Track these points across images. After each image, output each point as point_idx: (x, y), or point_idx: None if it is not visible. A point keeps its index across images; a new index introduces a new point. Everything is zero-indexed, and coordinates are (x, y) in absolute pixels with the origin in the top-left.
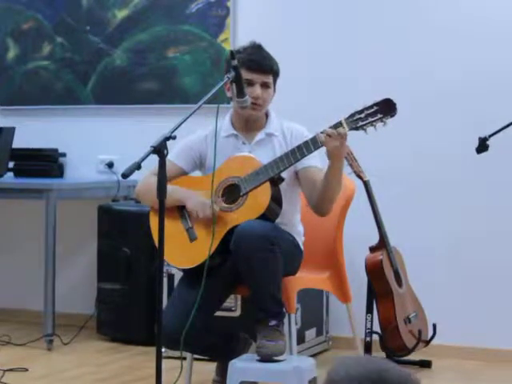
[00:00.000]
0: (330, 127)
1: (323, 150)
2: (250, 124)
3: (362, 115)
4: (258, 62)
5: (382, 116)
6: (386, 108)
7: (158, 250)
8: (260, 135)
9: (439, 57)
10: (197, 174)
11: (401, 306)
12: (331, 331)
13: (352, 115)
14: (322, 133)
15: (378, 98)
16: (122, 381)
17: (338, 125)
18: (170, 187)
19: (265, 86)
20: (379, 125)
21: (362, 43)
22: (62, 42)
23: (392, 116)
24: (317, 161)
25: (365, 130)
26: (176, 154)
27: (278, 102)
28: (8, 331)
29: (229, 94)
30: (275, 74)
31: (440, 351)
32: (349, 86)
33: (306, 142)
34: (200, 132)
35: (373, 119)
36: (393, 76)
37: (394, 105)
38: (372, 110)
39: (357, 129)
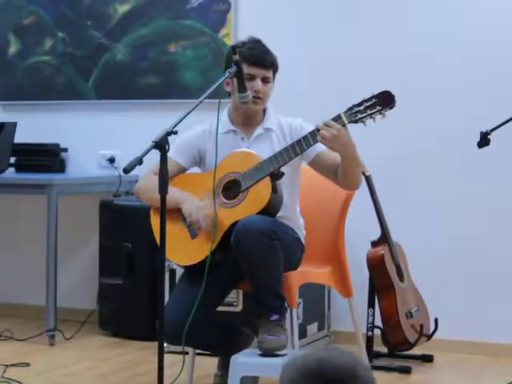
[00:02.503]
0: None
1: None
2: (248, 119)
3: (361, 108)
4: (260, 57)
5: (380, 108)
6: (385, 100)
7: (160, 245)
8: (258, 130)
9: (440, 49)
10: (195, 170)
11: (402, 301)
12: (333, 326)
13: (351, 108)
14: (318, 129)
15: (377, 91)
16: (123, 376)
17: (337, 118)
18: (169, 188)
19: (265, 80)
20: (378, 117)
21: (361, 35)
22: (63, 37)
23: (391, 108)
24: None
25: (364, 122)
26: (174, 151)
27: (277, 96)
28: (10, 326)
29: (228, 89)
30: (275, 68)
31: (442, 345)
32: (348, 79)
33: (305, 137)
34: (197, 128)
35: (372, 112)
36: (392, 69)
37: (393, 97)
38: (371, 102)
39: (356, 121)
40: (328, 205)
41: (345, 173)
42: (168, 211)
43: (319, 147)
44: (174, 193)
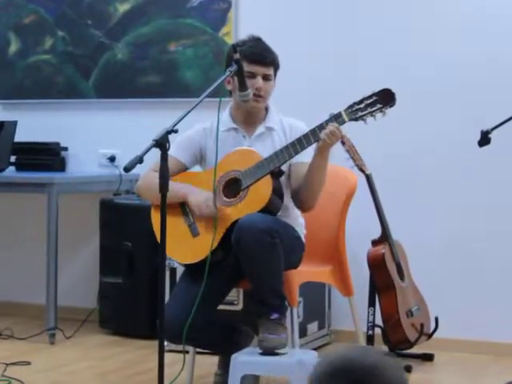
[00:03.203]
0: (330, 119)
1: None
2: (250, 117)
3: (362, 106)
4: (260, 55)
5: (381, 106)
6: (385, 98)
7: (160, 243)
8: (260, 129)
9: (440, 49)
10: (196, 169)
11: (403, 300)
12: (333, 325)
13: (351, 106)
14: (322, 128)
15: (377, 89)
16: (124, 375)
17: (338, 116)
18: (170, 183)
19: (266, 78)
20: (379, 115)
21: (362, 34)
22: (63, 36)
23: (391, 106)
24: (310, 158)
25: (364, 120)
26: (176, 149)
27: (278, 95)
28: (10, 325)
29: (229, 88)
30: (276, 66)
31: (442, 344)
32: (348, 79)
33: (305, 135)
34: (198, 126)
35: (372, 109)
36: (392, 68)
37: (393, 94)
38: (371, 100)
39: (356, 119)
40: (328, 204)
41: (312, 182)
42: (169, 210)
43: (306, 158)
44: (178, 186)
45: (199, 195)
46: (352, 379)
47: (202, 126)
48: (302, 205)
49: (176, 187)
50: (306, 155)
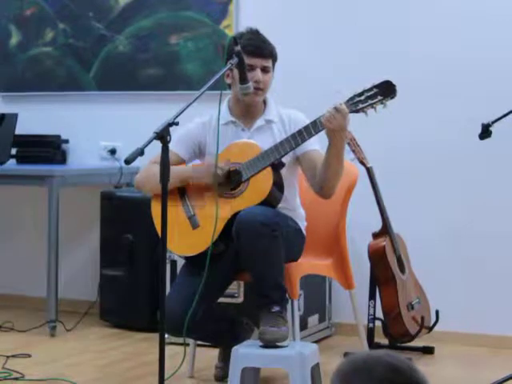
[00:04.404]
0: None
1: (322, 134)
2: (249, 111)
3: (362, 97)
4: (258, 47)
5: (381, 98)
6: (386, 90)
7: (161, 235)
8: (259, 122)
9: (440, 42)
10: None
11: (403, 293)
12: (334, 317)
13: (352, 98)
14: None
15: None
16: (124, 367)
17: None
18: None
19: (264, 70)
20: (379, 107)
21: (362, 28)
22: (64, 28)
23: (392, 98)
24: (316, 144)
25: (365, 112)
26: (175, 143)
27: (277, 89)
28: (11, 317)
29: (228, 81)
30: (274, 58)
31: (443, 337)
32: (348, 72)
33: (306, 126)
34: (197, 120)
35: (373, 101)
36: (392, 63)
37: (394, 86)
38: (372, 92)
39: (357, 111)
40: None
41: (328, 171)
42: (169, 202)
43: (312, 145)
44: (178, 169)
45: (200, 168)
46: (377, 377)
47: (200, 120)
48: (325, 193)
49: (176, 169)
50: (313, 143)
